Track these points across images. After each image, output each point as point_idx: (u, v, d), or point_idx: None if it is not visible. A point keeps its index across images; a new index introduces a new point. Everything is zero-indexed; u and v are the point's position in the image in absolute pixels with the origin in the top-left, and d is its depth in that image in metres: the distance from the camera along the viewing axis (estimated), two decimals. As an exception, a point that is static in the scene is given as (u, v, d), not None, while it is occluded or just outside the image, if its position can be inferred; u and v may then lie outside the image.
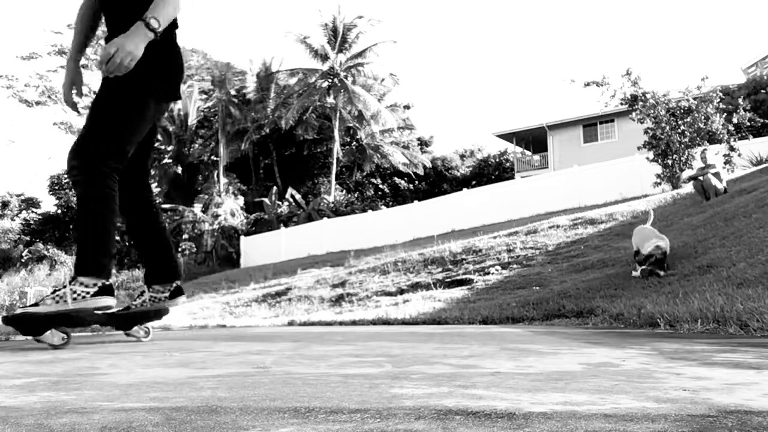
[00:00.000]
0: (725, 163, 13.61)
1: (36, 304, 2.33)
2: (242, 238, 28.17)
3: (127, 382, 1.34)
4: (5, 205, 38.59)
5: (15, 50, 65.88)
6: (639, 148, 15.72)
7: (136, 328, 2.84)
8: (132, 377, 1.43)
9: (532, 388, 1.18)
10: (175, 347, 2.47)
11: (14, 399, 1.10)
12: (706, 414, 0.90)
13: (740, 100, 14.78)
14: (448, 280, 9.19)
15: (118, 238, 31.82)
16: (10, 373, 1.52)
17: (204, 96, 37.31)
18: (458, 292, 7.96)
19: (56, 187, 38.83)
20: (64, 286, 2.35)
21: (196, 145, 36.75)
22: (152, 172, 37.07)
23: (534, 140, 32.28)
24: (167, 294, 2.74)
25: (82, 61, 2.65)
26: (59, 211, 37.90)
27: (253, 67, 35.38)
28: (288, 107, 32.62)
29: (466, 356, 1.90)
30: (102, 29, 2.68)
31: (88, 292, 2.34)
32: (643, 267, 5.47)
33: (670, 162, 14.51)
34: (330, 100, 32.90)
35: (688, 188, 11.59)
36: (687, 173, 12.75)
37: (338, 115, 32.49)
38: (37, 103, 37.14)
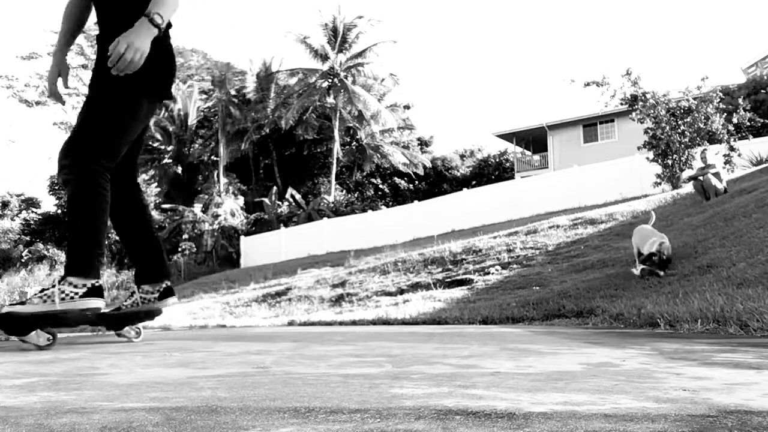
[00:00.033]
0: (725, 163, 13.61)
1: (23, 303, 2.29)
2: (242, 238, 28.17)
3: (127, 382, 1.34)
4: (5, 205, 38.59)
5: (15, 50, 65.88)
6: (639, 148, 15.72)
7: (127, 328, 2.80)
8: (132, 377, 1.43)
9: (532, 388, 1.18)
10: (175, 347, 2.47)
11: (14, 399, 1.10)
12: (706, 414, 0.90)
13: (740, 100, 14.78)
14: (448, 280, 9.18)
15: (118, 238, 31.65)
16: (10, 373, 1.52)
17: (204, 96, 37.32)
18: (458, 292, 7.96)
19: (56, 187, 38.79)
20: (53, 286, 2.31)
21: (196, 145, 36.75)
22: (152, 172, 37.12)
23: (534, 140, 32.28)
24: (157, 295, 2.70)
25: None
26: (59, 211, 37.88)
27: (253, 67, 35.40)
28: (288, 107, 32.62)
29: (466, 356, 1.90)
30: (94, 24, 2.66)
31: (76, 293, 2.30)
32: (644, 267, 5.47)
33: (670, 162, 14.51)
34: (330, 100, 32.91)
35: (688, 188, 11.59)
36: (687, 173, 12.75)
37: (338, 115, 32.49)
38: (37, 103, 37.14)
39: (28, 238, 35.19)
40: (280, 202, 31.68)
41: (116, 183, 2.50)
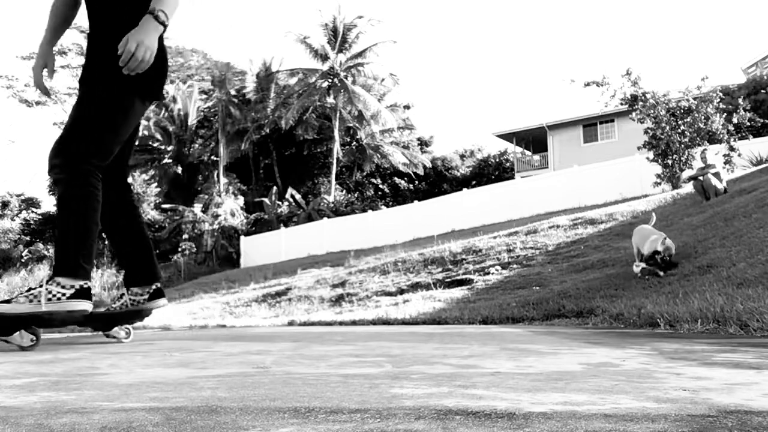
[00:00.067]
0: (725, 163, 13.61)
1: (8, 301, 2.24)
2: (242, 238, 28.17)
3: (127, 382, 1.34)
4: (5, 205, 38.59)
5: (15, 50, 65.87)
6: (639, 148, 15.72)
7: (116, 329, 2.74)
8: (132, 377, 1.43)
9: (532, 388, 1.18)
10: (175, 347, 2.47)
11: (14, 399, 1.10)
12: (706, 414, 0.90)
13: (740, 100, 14.78)
14: (448, 280, 9.18)
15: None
16: (10, 373, 1.52)
17: (204, 96, 37.32)
18: (458, 292, 7.96)
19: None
20: (40, 286, 2.26)
21: (196, 145, 36.75)
22: (152, 172, 37.11)
23: (534, 140, 32.28)
24: (146, 296, 2.66)
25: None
26: (59, 211, 37.82)
27: (253, 67, 35.39)
28: (288, 107, 32.62)
29: (466, 356, 1.90)
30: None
31: (63, 294, 2.25)
32: (644, 266, 5.47)
33: (670, 162, 14.51)
34: (330, 100, 32.91)
35: (688, 188, 11.59)
36: (687, 173, 12.75)
37: (338, 115, 32.49)
38: (37, 103, 37.16)
39: (28, 238, 35.20)
40: (280, 202, 31.67)
41: (108, 182, 2.47)
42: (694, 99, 14.58)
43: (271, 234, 27.14)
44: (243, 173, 37.68)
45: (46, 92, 2.62)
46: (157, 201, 35.26)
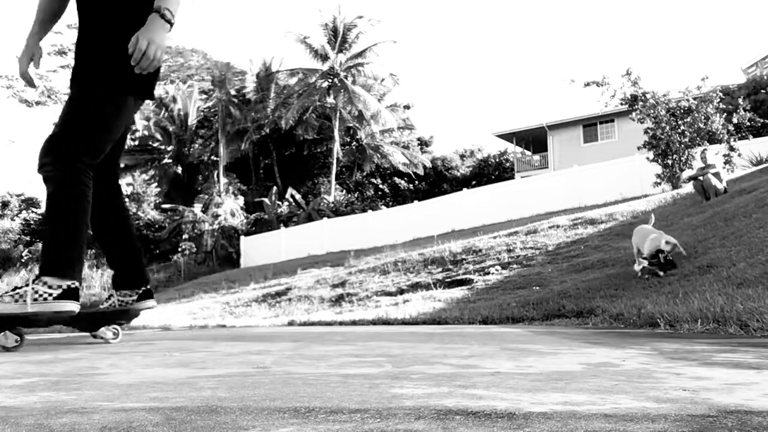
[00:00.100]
0: (725, 163, 13.61)
1: None
2: (242, 238, 28.18)
3: (127, 382, 1.34)
4: (5, 205, 38.61)
5: (15, 50, 65.88)
6: (639, 148, 15.72)
7: (103, 329, 2.67)
8: (132, 377, 1.43)
9: (532, 388, 1.18)
10: (175, 347, 2.47)
11: (14, 399, 1.10)
12: (706, 414, 0.90)
13: (740, 100, 14.78)
14: (448, 280, 9.19)
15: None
16: (10, 373, 1.52)
17: (204, 96, 37.33)
18: (458, 292, 7.96)
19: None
20: (26, 285, 2.21)
21: (196, 145, 36.76)
22: (152, 172, 37.13)
23: (534, 140, 32.28)
24: (135, 297, 2.62)
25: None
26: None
27: (253, 67, 35.40)
28: (288, 107, 32.62)
29: (466, 356, 1.90)
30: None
31: (50, 294, 2.20)
32: (644, 265, 5.48)
33: (670, 162, 14.51)
34: (330, 100, 32.91)
35: (688, 188, 11.59)
36: (687, 173, 12.75)
37: (338, 115, 32.50)
38: (37, 103, 37.17)
39: (28, 238, 35.19)
40: (280, 202, 31.68)
41: (99, 181, 2.44)
42: (694, 99, 14.58)
43: (271, 234, 27.15)
44: (243, 173, 37.69)
45: (31, 83, 2.58)
46: (157, 201, 35.29)
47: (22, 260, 29.99)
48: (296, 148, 36.28)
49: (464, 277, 9.01)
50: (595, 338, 2.67)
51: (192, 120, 36.09)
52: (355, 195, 35.25)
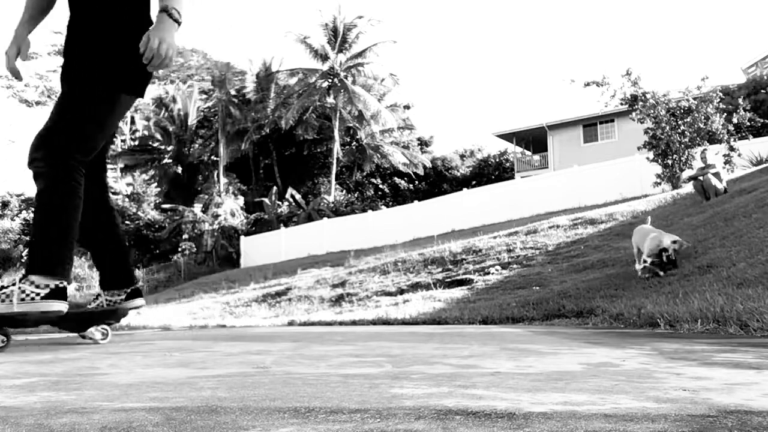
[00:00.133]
0: (725, 163, 13.61)
1: None
2: (242, 238, 28.18)
3: (127, 382, 1.34)
4: (5, 205, 38.63)
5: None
6: (639, 148, 15.72)
7: (92, 329, 2.62)
8: (132, 377, 1.43)
9: (532, 388, 1.18)
10: (175, 347, 2.47)
11: (14, 399, 1.10)
12: (706, 414, 0.90)
13: (740, 100, 14.79)
14: (448, 280, 9.19)
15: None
16: (10, 373, 1.52)
17: (204, 96, 37.34)
18: (458, 292, 7.96)
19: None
20: (13, 284, 2.15)
21: (196, 145, 36.77)
22: (152, 172, 37.14)
23: (534, 140, 32.28)
24: (123, 296, 2.58)
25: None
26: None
27: (253, 67, 35.41)
28: (288, 107, 32.63)
29: (466, 356, 1.90)
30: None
31: (38, 294, 2.14)
32: (646, 265, 5.48)
33: (670, 162, 14.51)
34: (330, 100, 32.91)
35: (688, 188, 11.59)
36: (687, 173, 12.75)
37: (338, 115, 32.50)
38: (37, 103, 37.19)
39: (28, 238, 35.19)
40: (280, 202, 31.69)
41: (90, 178, 2.40)
42: (694, 99, 14.59)
43: (271, 234, 27.15)
44: (243, 173, 37.70)
45: (18, 76, 2.53)
46: (157, 201, 35.29)
47: (22, 260, 29.98)
48: (296, 148, 36.29)
49: (464, 277, 9.01)
50: (595, 338, 2.67)
51: (192, 120, 36.11)
52: (355, 195, 35.26)
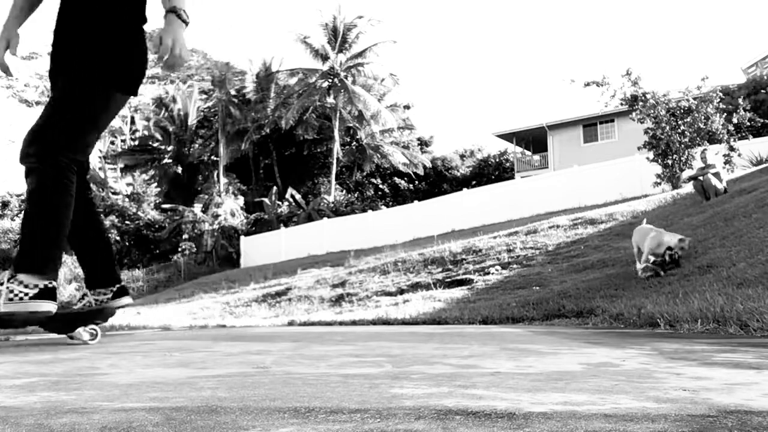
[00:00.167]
0: (725, 163, 13.62)
1: None
2: (242, 238, 28.19)
3: (127, 382, 1.34)
4: (5, 205, 38.63)
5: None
6: (639, 148, 15.73)
7: (79, 330, 2.57)
8: (132, 377, 1.43)
9: (532, 388, 1.18)
10: (175, 347, 2.47)
11: (14, 399, 1.10)
12: (706, 414, 0.90)
13: (740, 100, 14.80)
14: (448, 280, 9.19)
15: (118, 238, 31.90)
16: (10, 373, 1.52)
17: (204, 96, 37.34)
18: (458, 292, 7.96)
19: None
20: (1, 283, 2.11)
21: (196, 145, 36.77)
22: (152, 172, 37.14)
23: (534, 140, 32.29)
24: (110, 295, 2.54)
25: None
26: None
27: (253, 67, 35.41)
28: (288, 107, 32.63)
29: (466, 356, 1.90)
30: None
31: (26, 293, 2.10)
32: (647, 265, 5.48)
33: (670, 162, 14.52)
34: (330, 100, 32.91)
35: (688, 188, 11.59)
36: (687, 173, 12.75)
37: (338, 115, 32.50)
38: (37, 103, 37.15)
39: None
40: (280, 202, 31.69)
41: (81, 176, 2.38)
42: (694, 99, 14.59)
43: (271, 234, 27.15)
44: (243, 173, 37.70)
45: (7, 71, 2.51)
46: (157, 201, 35.28)
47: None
48: (296, 148, 36.29)
49: (464, 277, 9.01)
50: (595, 338, 2.67)
51: (192, 120, 36.10)
52: (355, 195, 35.26)
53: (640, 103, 14.90)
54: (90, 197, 2.54)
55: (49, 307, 2.16)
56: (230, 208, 31.12)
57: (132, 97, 2.46)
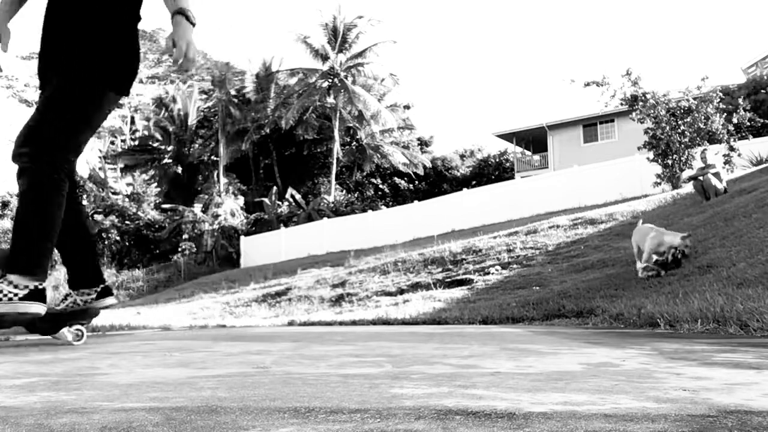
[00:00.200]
0: (725, 163, 13.62)
1: None
2: (242, 238, 28.18)
3: (127, 382, 1.34)
4: (5, 205, 38.58)
5: (15, 50, 65.81)
6: (639, 148, 15.73)
7: (64, 330, 2.54)
8: (132, 377, 1.43)
9: (532, 388, 1.18)
10: (175, 347, 2.47)
11: (14, 399, 1.10)
12: (706, 414, 0.90)
13: (740, 100, 14.80)
14: (448, 280, 9.19)
15: (118, 238, 31.93)
16: (10, 373, 1.52)
17: (204, 96, 37.34)
18: (458, 292, 7.96)
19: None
20: None
21: (196, 145, 36.77)
22: (152, 172, 37.12)
23: (534, 140, 32.29)
24: (94, 295, 2.52)
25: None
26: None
27: (253, 67, 35.40)
28: (288, 107, 32.62)
29: (466, 356, 1.90)
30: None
31: (16, 294, 2.07)
32: (648, 265, 5.48)
33: (670, 162, 14.52)
34: (330, 100, 32.91)
35: (688, 188, 11.59)
36: (687, 173, 12.76)
37: (338, 115, 32.50)
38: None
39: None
40: (280, 202, 31.68)
41: (71, 177, 2.35)
42: (694, 99, 14.59)
43: (271, 234, 27.15)
44: (243, 173, 37.69)
45: None
46: (157, 201, 35.27)
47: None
48: (296, 148, 36.28)
49: (464, 277, 9.01)
50: (595, 338, 2.67)
51: (192, 120, 36.09)
52: (355, 195, 35.25)
53: (640, 103, 14.90)
54: (77, 196, 2.52)
55: (38, 308, 2.14)
56: (230, 208, 31.11)
57: (124, 96, 2.46)
